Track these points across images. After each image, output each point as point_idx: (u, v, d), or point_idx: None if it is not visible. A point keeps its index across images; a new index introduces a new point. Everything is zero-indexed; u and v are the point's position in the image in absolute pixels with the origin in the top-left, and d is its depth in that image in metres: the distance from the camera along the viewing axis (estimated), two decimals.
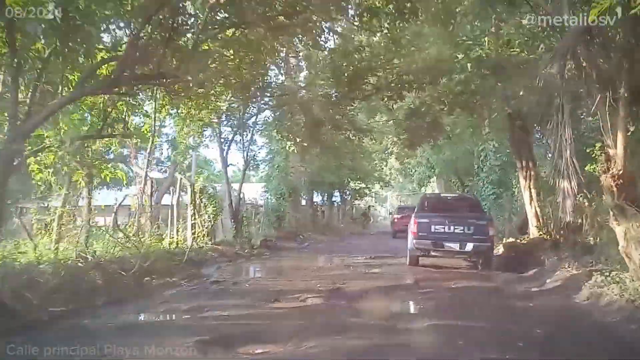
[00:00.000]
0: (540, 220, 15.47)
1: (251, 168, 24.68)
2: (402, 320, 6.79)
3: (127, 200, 13.25)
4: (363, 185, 38.24)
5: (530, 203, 15.61)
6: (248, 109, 17.41)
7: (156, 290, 9.02)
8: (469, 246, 11.37)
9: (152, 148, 14.20)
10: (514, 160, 23.90)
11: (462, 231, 11.43)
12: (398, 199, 64.35)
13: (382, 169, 40.88)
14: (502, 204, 22.08)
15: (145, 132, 12.88)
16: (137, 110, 11.63)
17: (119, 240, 10.67)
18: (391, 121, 23.91)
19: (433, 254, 12.22)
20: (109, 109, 10.58)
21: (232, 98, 16.05)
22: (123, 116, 11.22)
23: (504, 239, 20.79)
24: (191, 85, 9.95)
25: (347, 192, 38.69)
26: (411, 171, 45.42)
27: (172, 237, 13.84)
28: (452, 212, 12.46)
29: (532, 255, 13.42)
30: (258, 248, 17.50)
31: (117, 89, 9.41)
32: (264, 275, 12.30)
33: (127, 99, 10.77)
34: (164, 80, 9.71)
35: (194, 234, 14.81)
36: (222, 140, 18.20)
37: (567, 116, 9.05)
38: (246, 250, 16.07)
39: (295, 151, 21.15)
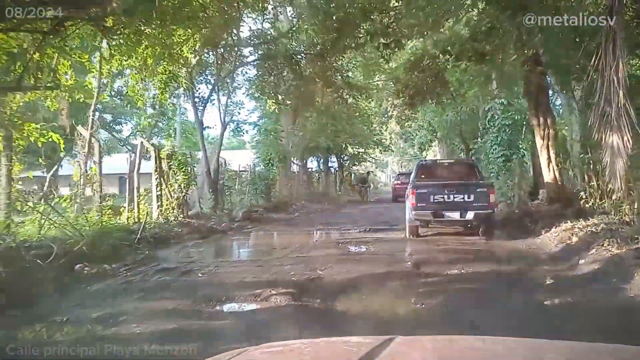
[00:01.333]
0: (560, 184, 13.28)
1: (238, 132, 22.43)
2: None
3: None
4: (362, 150, 35.90)
5: (549, 165, 13.35)
6: (225, 63, 14.95)
7: (82, 283, 6.94)
8: (470, 214, 10.67)
9: (96, 105, 11.88)
10: (526, 118, 21.64)
11: (462, 199, 10.71)
12: (399, 164, 62.16)
13: (382, 133, 38.55)
14: (511, 167, 19.81)
15: (90, 85, 10.58)
16: (72, 57, 9.26)
17: (49, 217, 8.50)
18: (391, 82, 21.32)
19: (433, 224, 11.64)
20: (32, 53, 8.31)
21: (205, 49, 13.69)
22: (53, 64, 8.92)
23: (514, 204, 18.69)
24: (126, 19, 7.61)
25: (345, 158, 36.40)
26: (412, 135, 43.25)
27: (132, 212, 11.69)
28: (450, 180, 11.93)
29: (551, 223, 11.33)
30: (240, 221, 15.43)
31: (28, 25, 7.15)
32: (230, 258, 10.17)
33: (55, 41, 8.46)
34: (92, 10, 7.42)
35: (160, 206, 12.68)
36: (197, 99, 15.83)
37: (622, 48, 6.75)
38: (223, 225, 13.96)
39: (281, 112, 18.82)
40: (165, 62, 11.93)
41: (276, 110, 19.10)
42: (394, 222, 15.64)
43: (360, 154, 36.42)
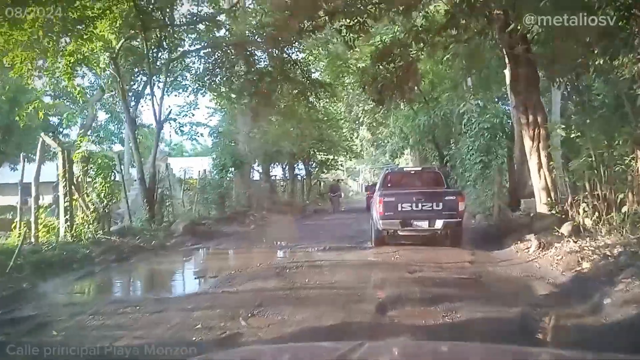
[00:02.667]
0: (553, 193, 11.15)
1: (191, 136, 19.81)
2: None
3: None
4: (330, 156, 33.57)
5: (539, 171, 11.22)
6: (160, 49, 12.36)
7: None
8: (439, 223, 10.25)
9: None
10: (505, 122, 19.67)
11: (430, 208, 10.27)
12: (371, 172, 60.16)
13: (352, 139, 36.40)
14: (490, 174, 17.73)
15: None
16: None
17: None
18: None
19: (400, 233, 10.94)
20: None
21: (132, 31, 11.13)
22: None
23: (493, 216, 16.59)
24: None
25: (313, 165, 33.99)
26: (383, 142, 41.22)
27: (23, 229, 9.00)
28: (417, 188, 11.58)
29: (548, 242, 9.16)
30: (179, 236, 12.85)
31: None
32: (126, 296, 7.43)
33: None
34: None
35: (69, 221, 10.02)
36: (130, 94, 13.18)
37: None
38: (153, 242, 11.34)
39: (237, 112, 16.34)
40: (73, 41, 9.38)
41: (229, 110, 16.55)
42: (361, 236, 13.34)
43: (330, 160, 34.06)
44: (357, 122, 40.65)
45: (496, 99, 21.99)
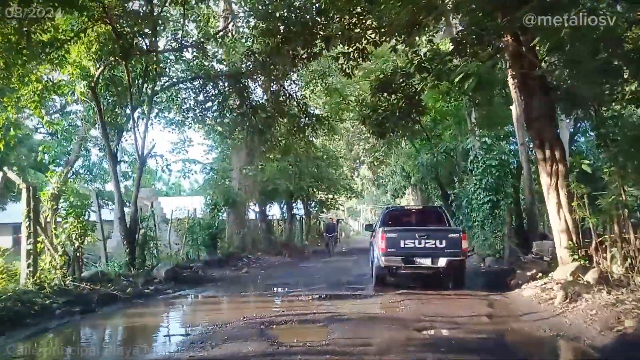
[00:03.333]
0: (574, 236, 9.95)
1: (185, 174, 18.79)
2: None
3: None
4: (330, 196, 32.44)
5: (559, 211, 10.02)
6: (145, 79, 11.43)
7: None
8: (442, 261, 9.97)
9: None
10: (512, 162, 18.65)
11: (433, 245, 10.02)
12: (372, 212, 58.88)
13: (351, 178, 35.44)
14: (499, 215, 16.55)
15: None
16: None
17: None
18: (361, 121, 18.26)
19: (402, 271, 10.69)
20: None
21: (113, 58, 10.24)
22: None
23: (505, 259, 15.31)
24: None
25: (312, 204, 32.84)
26: (384, 181, 40.25)
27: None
28: (419, 225, 11.36)
29: (576, 293, 7.91)
30: (161, 282, 11.60)
31: None
32: None
33: None
34: None
35: (30, 265, 8.81)
36: (115, 125, 12.18)
37: None
38: (129, 290, 10.07)
39: (231, 149, 15.33)
40: (42, 66, 8.43)
41: (221, 145, 15.56)
42: (361, 282, 12.11)
43: (329, 200, 32.92)
44: (357, 161, 39.98)
45: (501, 137, 21.04)
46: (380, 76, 11.72)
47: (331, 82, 19.79)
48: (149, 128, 12.92)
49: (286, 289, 11.43)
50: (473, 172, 18.27)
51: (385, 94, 11.74)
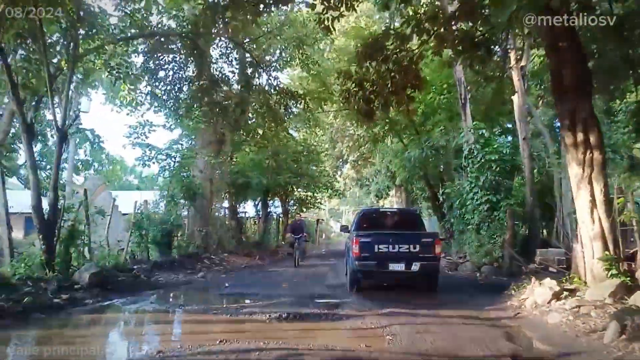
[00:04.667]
0: (612, 245, 7.64)
1: (144, 162, 16.05)
2: None
3: None
4: (310, 193, 29.97)
5: (592, 211, 7.72)
6: (67, 28, 8.76)
7: None
8: (416, 266, 9.67)
9: None
10: (515, 156, 16.27)
11: (407, 250, 9.75)
12: (354, 214, 56.54)
13: (334, 176, 33.06)
14: (499, 217, 14.24)
15: None
16: None
17: None
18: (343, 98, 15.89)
19: (376, 277, 10.35)
20: None
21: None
22: None
23: (503, 269, 13.06)
24: None
25: (291, 202, 30.31)
26: (368, 181, 37.99)
27: None
28: (392, 229, 11.14)
29: (619, 317, 5.57)
30: (82, 289, 9.00)
31: None
32: None
33: None
34: None
35: None
36: (32, 88, 9.49)
37: None
38: (26, 299, 7.46)
39: (197, 133, 12.74)
40: None
41: (182, 128, 12.96)
42: (337, 295, 9.68)
43: (309, 198, 30.44)
44: (340, 159, 37.57)
45: (500, 133, 18.84)
46: (369, 39, 9.27)
47: (309, 55, 17.28)
48: (77, 95, 10.21)
49: (242, 302, 8.94)
50: (468, 168, 15.96)
51: (374, 63, 9.29)
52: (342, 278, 12.34)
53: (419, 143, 20.34)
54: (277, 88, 11.69)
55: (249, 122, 20.21)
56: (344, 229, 13.08)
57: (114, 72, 10.10)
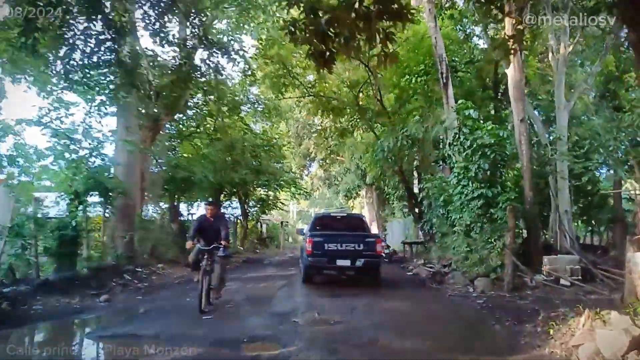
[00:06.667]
0: None
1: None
2: None
3: None
4: (272, 193, 26.63)
5: None
6: None
7: None
8: (360, 262, 11.03)
9: None
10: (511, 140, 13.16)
11: (353, 248, 11.11)
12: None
13: (300, 175, 29.94)
14: (497, 216, 11.20)
15: None
16: None
17: None
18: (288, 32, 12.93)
19: (326, 271, 11.47)
20: None
21: None
22: None
23: (500, 279, 10.14)
24: None
25: (251, 203, 26.89)
26: (337, 180, 34.99)
27: None
28: (342, 231, 12.21)
29: None
30: None
31: None
32: None
33: None
34: None
35: None
36: None
37: None
38: None
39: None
40: None
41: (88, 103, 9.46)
42: (282, 330, 6.40)
43: (271, 198, 27.07)
44: (307, 157, 34.39)
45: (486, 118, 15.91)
46: None
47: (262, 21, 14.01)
48: None
49: (129, 351, 5.57)
50: (454, 158, 12.94)
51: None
52: (298, 298, 9.18)
53: (393, 132, 17.27)
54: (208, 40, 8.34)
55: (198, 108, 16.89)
56: (300, 231, 14.29)
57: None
